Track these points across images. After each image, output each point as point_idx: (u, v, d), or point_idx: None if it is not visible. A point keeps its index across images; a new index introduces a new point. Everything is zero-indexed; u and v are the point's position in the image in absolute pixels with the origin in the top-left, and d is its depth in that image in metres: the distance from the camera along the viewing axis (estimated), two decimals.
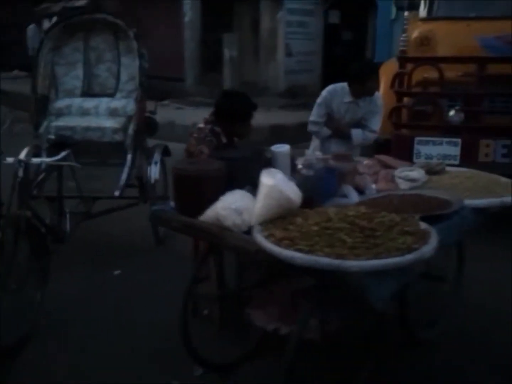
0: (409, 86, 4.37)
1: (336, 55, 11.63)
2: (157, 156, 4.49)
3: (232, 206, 2.44)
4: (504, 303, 3.48)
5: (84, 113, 4.42)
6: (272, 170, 2.52)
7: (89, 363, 2.96)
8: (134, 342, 3.13)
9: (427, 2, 5.02)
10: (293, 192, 2.45)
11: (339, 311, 2.62)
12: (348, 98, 3.92)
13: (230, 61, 10.46)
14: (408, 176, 3.02)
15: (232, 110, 3.06)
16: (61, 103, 4.47)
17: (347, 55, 10.60)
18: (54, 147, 3.81)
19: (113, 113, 4.42)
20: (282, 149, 2.99)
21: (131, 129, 4.29)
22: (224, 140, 3.07)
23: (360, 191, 2.97)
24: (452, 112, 4.30)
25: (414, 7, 5.05)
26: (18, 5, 15.47)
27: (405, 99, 4.44)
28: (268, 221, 2.38)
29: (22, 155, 3.86)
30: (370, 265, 2.00)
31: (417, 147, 4.21)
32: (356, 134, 3.95)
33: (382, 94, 4.25)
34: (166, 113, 9.71)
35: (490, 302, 3.56)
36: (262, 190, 2.42)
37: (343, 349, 2.80)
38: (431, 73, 4.33)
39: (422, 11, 5.06)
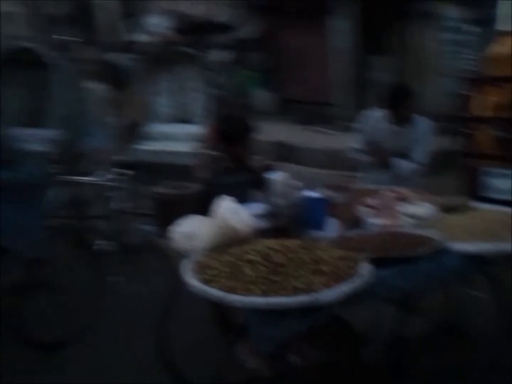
0: (468, 110, 3.82)
1: None
2: None
3: (182, 231, 2.51)
4: None
5: (166, 138, 4.83)
6: (227, 197, 2.51)
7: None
8: None
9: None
10: (240, 221, 2.43)
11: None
12: (389, 125, 3.61)
13: (380, 84, 10.19)
14: (410, 212, 2.72)
15: (227, 134, 3.09)
16: (148, 129, 4.96)
17: None
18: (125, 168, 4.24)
19: (189, 138, 4.74)
20: (276, 176, 2.94)
21: None
22: (225, 164, 3.12)
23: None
24: None
25: (490, 21, 4.38)
26: (193, 37, 16.93)
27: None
28: (214, 248, 2.40)
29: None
30: (252, 302, 1.91)
31: (484, 179, 3.66)
32: (399, 164, 3.59)
33: None
34: (307, 138, 9.87)
35: None
36: (211, 218, 2.46)
37: None
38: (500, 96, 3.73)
39: (504, 23, 4.33)
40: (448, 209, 2.81)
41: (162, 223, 2.73)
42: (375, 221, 2.78)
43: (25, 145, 4.46)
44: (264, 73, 14.42)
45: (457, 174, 4.21)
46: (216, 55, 14.85)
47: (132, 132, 5.04)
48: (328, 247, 2.28)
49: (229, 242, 2.38)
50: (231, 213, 2.43)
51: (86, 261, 3.71)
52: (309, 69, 12.09)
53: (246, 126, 3.14)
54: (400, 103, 3.50)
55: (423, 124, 3.62)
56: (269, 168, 3.14)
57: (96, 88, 9.19)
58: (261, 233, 2.55)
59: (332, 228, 2.65)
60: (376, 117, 3.70)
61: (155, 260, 4.37)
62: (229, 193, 2.69)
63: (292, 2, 12.07)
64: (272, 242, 2.24)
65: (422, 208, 2.74)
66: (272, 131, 10.39)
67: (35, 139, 4.59)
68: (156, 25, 19.28)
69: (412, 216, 2.70)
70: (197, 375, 2.87)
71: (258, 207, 2.75)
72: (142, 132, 5.04)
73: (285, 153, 9.24)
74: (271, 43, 13.58)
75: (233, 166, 3.14)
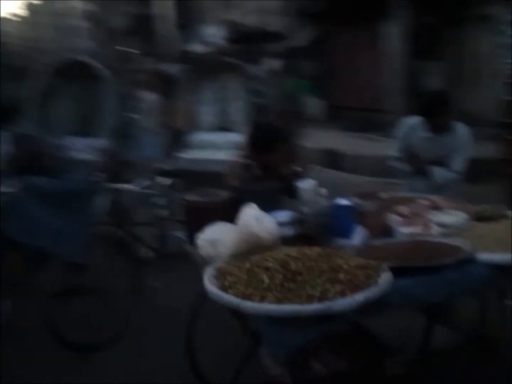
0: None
1: None
2: None
3: (207, 238, 2.55)
4: None
5: (209, 146, 4.92)
6: (253, 205, 2.55)
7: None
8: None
9: None
10: (263, 229, 2.45)
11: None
12: (426, 133, 3.54)
13: (432, 90, 9.96)
14: (440, 220, 2.67)
15: (257, 142, 3.12)
16: (192, 137, 5.07)
17: None
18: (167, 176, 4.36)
19: (231, 146, 4.81)
20: (305, 184, 2.95)
21: None
22: (256, 172, 3.14)
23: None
24: None
25: None
26: (246, 47, 17.12)
27: None
28: (237, 255, 2.44)
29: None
30: (265, 309, 1.93)
31: None
32: (436, 172, 3.51)
33: None
34: (357, 145, 9.77)
35: None
36: (236, 225, 2.50)
37: None
38: None
39: None
40: (482, 218, 2.73)
41: (192, 230, 2.79)
42: (405, 230, 2.74)
43: (74, 154, 4.68)
44: (315, 80, 14.41)
45: (499, 182, 4.07)
46: (267, 64, 15.01)
47: (177, 140, 5.18)
48: (349, 256, 2.26)
49: (252, 249, 2.41)
50: (255, 220, 2.46)
51: (127, 267, 3.84)
52: (360, 75, 11.98)
53: (277, 134, 3.16)
54: (436, 111, 3.43)
55: (462, 132, 3.54)
56: (299, 176, 3.16)
57: (148, 97, 9.49)
58: (287, 241, 2.57)
59: (358, 236, 2.63)
60: (413, 125, 3.66)
61: (191, 266, 4.47)
62: (258, 200, 2.72)
63: (343, 8, 12.02)
64: (292, 250, 2.24)
65: (453, 217, 2.68)
66: (321, 138, 10.37)
67: (84, 148, 4.79)
68: (211, 35, 19.70)
69: (442, 225, 2.64)
70: (221, 379, 2.91)
71: (285, 215, 2.77)
72: (186, 140, 5.16)
73: (333, 161, 9.20)
74: (322, 50, 13.57)
75: (263, 173, 3.17)
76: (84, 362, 3.32)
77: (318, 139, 10.37)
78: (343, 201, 2.89)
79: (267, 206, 2.72)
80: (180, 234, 2.98)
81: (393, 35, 11.04)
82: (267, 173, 3.18)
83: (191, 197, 2.86)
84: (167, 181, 4.24)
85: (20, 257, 3.82)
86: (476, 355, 2.72)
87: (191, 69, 5.35)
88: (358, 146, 9.62)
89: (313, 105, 13.51)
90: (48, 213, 3.85)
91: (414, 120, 3.67)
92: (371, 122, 11.23)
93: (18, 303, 3.60)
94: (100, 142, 4.84)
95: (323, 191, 2.71)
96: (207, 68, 5.25)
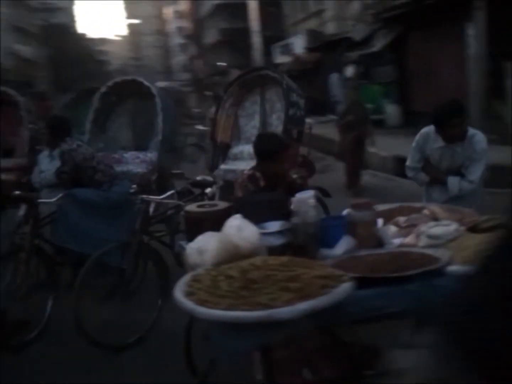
0: None
1: None
2: None
3: (195, 246, 2.69)
4: None
5: (252, 157, 5.03)
6: (237, 216, 2.65)
7: None
8: None
9: None
10: (242, 238, 2.55)
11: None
12: (441, 143, 3.44)
13: None
14: (430, 232, 2.61)
15: (260, 152, 3.20)
16: (237, 149, 5.23)
17: None
18: (198, 187, 4.57)
19: None
20: (302, 195, 2.99)
21: None
22: (262, 183, 3.23)
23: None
24: None
25: None
26: (325, 55, 17.23)
27: None
28: (218, 263, 2.55)
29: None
30: (212, 315, 2.03)
31: None
32: (452, 182, 3.41)
33: None
34: None
35: None
36: (219, 234, 2.62)
37: None
38: None
39: None
40: (479, 229, 2.63)
41: (190, 239, 2.94)
42: (395, 241, 2.72)
43: (120, 167, 5.03)
44: (393, 86, 14.09)
45: None
46: (345, 70, 14.95)
47: (222, 152, 5.37)
48: (316, 266, 2.30)
49: (232, 258, 2.52)
50: (236, 230, 2.56)
51: (157, 272, 4.07)
52: (438, 78, 11.58)
53: (279, 143, 3.24)
54: (448, 122, 3.35)
55: (478, 140, 3.42)
56: (302, 185, 3.21)
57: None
58: (275, 250, 2.65)
59: (343, 246, 2.64)
60: (427, 135, 3.60)
61: None
62: (256, 210, 2.84)
63: (421, 12, 11.69)
64: (258, 260, 2.33)
65: (443, 228, 2.61)
66: (393, 145, 10.14)
67: (132, 161, 5.12)
68: (294, 45, 19.93)
69: (431, 236, 2.59)
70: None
71: (275, 225, 2.84)
72: (229, 152, 5.35)
73: (398, 167, 8.95)
74: (399, 55, 13.26)
75: (268, 183, 3.25)
76: (108, 362, 3.56)
77: (390, 145, 10.17)
78: (338, 214, 2.93)
79: (265, 216, 2.82)
80: (183, 243, 3.13)
81: (473, 37, 10.57)
82: (270, 183, 3.26)
83: (190, 207, 3.01)
84: (197, 191, 4.44)
85: (63, 261, 4.20)
86: None
87: (240, 82, 5.52)
88: None
89: (390, 111, 13.23)
90: (90, 221, 4.20)
91: (429, 130, 3.60)
92: None
93: (57, 303, 3.96)
94: (149, 155, 5.14)
95: (313, 201, 2.75)
96: (251, 80, 5.40)
